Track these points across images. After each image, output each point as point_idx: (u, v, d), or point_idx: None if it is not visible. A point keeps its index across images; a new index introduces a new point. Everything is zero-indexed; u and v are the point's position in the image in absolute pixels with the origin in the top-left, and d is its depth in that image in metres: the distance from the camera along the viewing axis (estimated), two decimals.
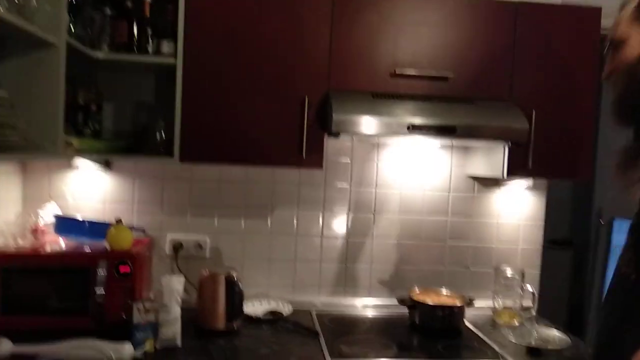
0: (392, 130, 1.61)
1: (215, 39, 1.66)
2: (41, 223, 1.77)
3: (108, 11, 1.74)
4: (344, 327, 1.86)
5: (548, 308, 2.27)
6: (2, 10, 1.10)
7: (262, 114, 1.69)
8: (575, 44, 1.78)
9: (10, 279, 1.60)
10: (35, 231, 1.75)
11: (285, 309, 1.94)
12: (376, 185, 2.10)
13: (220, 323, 1.71)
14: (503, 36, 1.75)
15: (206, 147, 1.69)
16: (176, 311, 1.59)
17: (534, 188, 2.14)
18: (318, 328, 1.80)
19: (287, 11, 1.68)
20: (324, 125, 1.67)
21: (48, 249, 1.70)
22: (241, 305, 1.74)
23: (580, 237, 3.48)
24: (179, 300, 1.62)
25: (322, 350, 1.61)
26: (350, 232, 2.10)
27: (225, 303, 1.71)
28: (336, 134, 1.64)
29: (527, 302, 1.99)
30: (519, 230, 2.15)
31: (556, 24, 1.77)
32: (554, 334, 1.78)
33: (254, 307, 1.93)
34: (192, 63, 1.66)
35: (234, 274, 1.74)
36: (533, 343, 1.70)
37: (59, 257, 1.65)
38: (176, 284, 1.62)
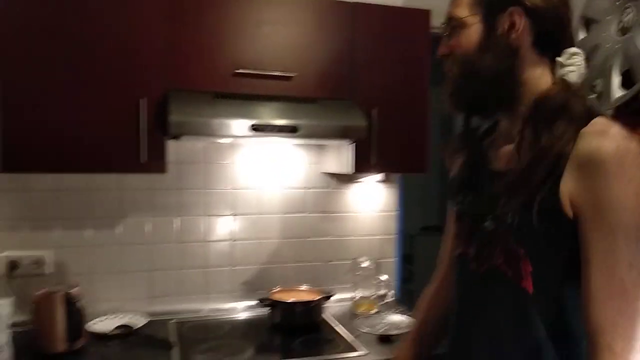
0: (234, 131, 1.59)
1: (35, 31, 1.52)
2: None
3: None
4: (203, 334, 1.81)
5: (421, 287, 2.41)
6: None
7: (96, 116, 1.58)
8: (409, 43, 1.88)
9: None
10: None
11: (140, 322, 1.84)
12: (232, 186, 2.07)
13: (60, 345, 1.58)
14: (343, 35, 1.80)
15: (33, 154, 1.54)
16: (1, 339, 1.44)
17: (386, 181, 2.24)
18: (174, 338, 1.73)
19: (119, 5, 1.59)
20: (163, 127, 1.61)
21: None
22: (82, 323, 1.62)
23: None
24: (8, 324, 1.47)
25: None
26: (209, 235, 2.05)
27: (64, 323, 1.58)
28: (176, 137, 1.59)
29: (383, 291, 2.10)
30: (374, 222, 2.25)
31: (391, 24, 1.86)
32: (402, 319, 1.88)
33: (103, 323, 1.81)
34: (8, 58, 1.50)
35: (74, 290, 1.61)
36: (381, 331, 1.78)
37: None
38: (2, 308, 1.46)
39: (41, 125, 1.54)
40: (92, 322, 1.77)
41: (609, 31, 1.26)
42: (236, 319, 2.00)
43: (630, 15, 1.27)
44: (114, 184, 1.92)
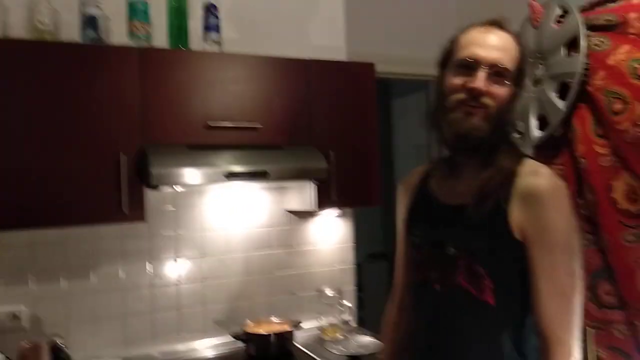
0: (210, 179, 1.74)
1: (16, 98, 1.61)
2: None
3: None
4: None
5: (372, 313, 2.59)
6: None
7: (77, 173, 1.67)
8: (357, 92, 2.14)
9: None
10: None
11: None
12: (202, 229, 2.19)
13: None
14: (300, 89, 2.03)
15: (13, 212, 1.61)
16: None
17: (342, 215, 2.45)
18: None
19: (94, 69, 1.71)
20: (143, 178, 1.73)
21: None
22: None
23: (392, 249, 3.98)
24: None
25: None
26: (181, 277, 2.15)
27: None
28: (155, 187, 1.71)
29: (347, 316, 2.27)
30: (334, 254, 2.44)
31: (341, 76, 2.11)
32: (369, 340, 2.07)
33: None
34: None
35: (59, 340, 1.67)
36: (352, 351, 1.95)
37: None
38: None
39: (22, 184, 1.61)
40: None
41: (526, 83, 1.56)
42: (211, 355, 2.09)
43: (540, 70, 1.57)
44: (87, 234, 1.98)
